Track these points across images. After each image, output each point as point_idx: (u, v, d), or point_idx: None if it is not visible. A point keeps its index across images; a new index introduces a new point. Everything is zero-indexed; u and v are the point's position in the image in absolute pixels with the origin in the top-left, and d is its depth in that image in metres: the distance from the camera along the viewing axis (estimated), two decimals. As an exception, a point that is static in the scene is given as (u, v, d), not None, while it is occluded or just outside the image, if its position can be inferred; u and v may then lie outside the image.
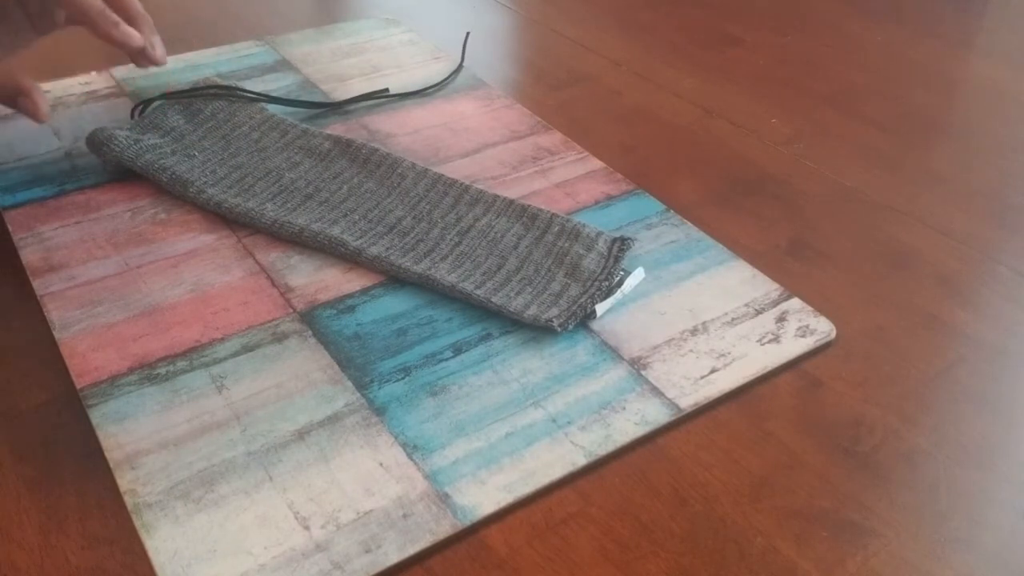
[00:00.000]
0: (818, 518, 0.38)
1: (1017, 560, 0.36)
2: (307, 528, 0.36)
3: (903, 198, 0.59)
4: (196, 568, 0.34)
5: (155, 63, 0.57)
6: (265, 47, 0.74)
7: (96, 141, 0.56)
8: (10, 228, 0.52)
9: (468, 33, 0.75)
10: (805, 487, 0.39)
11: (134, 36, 0.54)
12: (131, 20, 0.55)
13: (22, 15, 0.54)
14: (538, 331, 0.46)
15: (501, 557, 0.36)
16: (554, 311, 0.46)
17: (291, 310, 0.47)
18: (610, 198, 0.57)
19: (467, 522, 0.36)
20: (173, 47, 0.72)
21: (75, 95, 0.66)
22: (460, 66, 0.72)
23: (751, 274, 0.50)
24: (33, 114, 0.54)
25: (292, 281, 0.49)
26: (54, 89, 0.66)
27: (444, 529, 0.36)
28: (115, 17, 0.53)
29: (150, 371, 0.43)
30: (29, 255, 0.50)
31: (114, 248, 0.51)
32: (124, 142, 0.56)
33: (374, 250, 0.49)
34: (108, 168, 0.56)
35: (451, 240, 0.51)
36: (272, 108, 0.63)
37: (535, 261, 0.49)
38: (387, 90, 0.67)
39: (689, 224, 0.54)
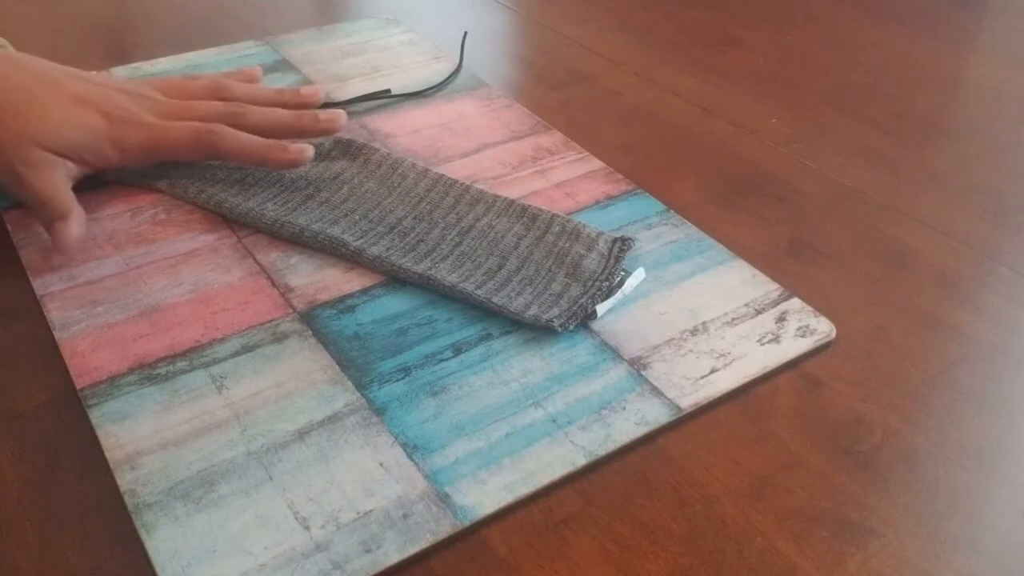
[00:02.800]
0: (818, 518, 0.38)
1: (1017, 560, 0.36)
2: (307, 528, 0.36)
3: (903, 198, 0.59)
4: (196, 568, 0.34)
5: (337, 128, 0.57)
6: (265, 47, 0.74)
7: None
8: (10, 228, 0.52)
9: (466, 33, 0.75)
10: (805, 487, 0.39)
11: (306, 150, 0.54)
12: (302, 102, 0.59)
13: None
14: (538, 331, 0.46)
15: (501, 557, 0.36)
16: (555, 311, 0.46)
17: (291, 310, 0.47)
18: (610, 198, 0.57)
19: (467, 522, 0.36)
20: (173, 47, 0.73)
21: (75, 95, 0.66)
22: (459, 67, 0.72)
23: (751, 274, 0.50)
24: (59, 246, 0.49)
25: (292, 281, 0.49)
26: (54, 89, 0.66)
27: (444, 529, 0.36)
28: (280, 144, 0.54)
29: (150, 371, 0.43)
30: (29, 255, 0.50)
31: (114, 248, 0.51)
32: None
33: (374, 250, 0.49)
34: (106, 177, 0.56)
35: (452, 240, 0.51)
36: (272, 108, 0.63)
37: (536, 261, 0.49)
38: (389, 91, 0.67)
39: (689, 224, 0.54)
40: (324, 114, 0.57)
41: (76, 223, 0.49)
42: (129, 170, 0.55)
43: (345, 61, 0.72)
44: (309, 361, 0.44)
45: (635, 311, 0.47)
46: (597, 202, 0.56)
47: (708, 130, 0.66)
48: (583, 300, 0.46)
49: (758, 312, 0.48)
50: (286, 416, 0.41)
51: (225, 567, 0.34)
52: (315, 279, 0.49)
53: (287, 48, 0.74)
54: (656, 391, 0.43)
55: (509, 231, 0.51)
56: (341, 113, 0.57)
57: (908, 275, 0.52)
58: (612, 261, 0.49)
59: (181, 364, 0.43)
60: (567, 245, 0.50)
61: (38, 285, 0.48)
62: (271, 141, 0.54)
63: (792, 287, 0.50)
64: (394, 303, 0.47)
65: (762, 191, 0.59)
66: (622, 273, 0.49)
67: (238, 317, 0.46)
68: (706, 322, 0.47)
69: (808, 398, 0.44)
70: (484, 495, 0.37)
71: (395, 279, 0.49)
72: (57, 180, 0.50)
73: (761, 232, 0.55)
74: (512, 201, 0.53)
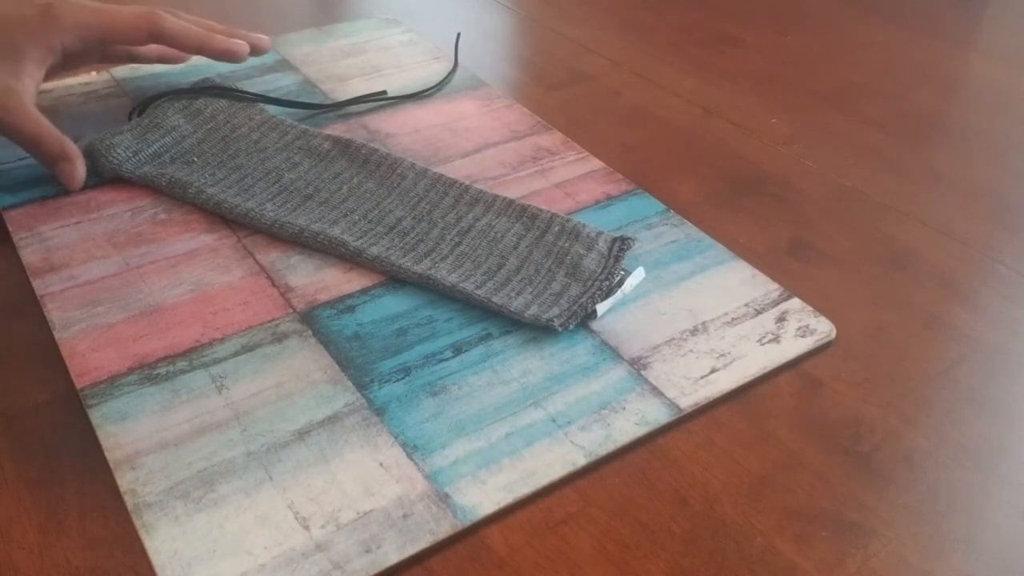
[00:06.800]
0: (818, 518, 0.38)
1: (1017, 560, 0.36)
2: (307, 528, 0.36)
3: (903, 198, 0.59)
4: (196, 568, 0.34)
5: (262, 49, 0.64)
6: (265, 47, 0.74)
7: (95, 152, 0.56)
8: (10, 228, 0.52)
9: (459, 34, 0.75)
10: (805, 487, 0.39)
11: (244, 45, 0.61)
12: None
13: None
14: (538, 331, 0.46)
15: (501, 557, 0.36)
16: (554, 311, 0.46)
17: (291, 310, 0.47)
18: (610, 198, 0.57)
19: (467, 522, 0.36)
20: (173, 47, 0.72)
21: (75, 95, 0.66)
22: (455, 67, 0.72)
23: (751, 274, 0.50)
24: (69, 181, 0.54)
25: (292, 281, 0.49)
26: (54, 89, 0.66)
27: (444, 529, 0.36)
28: (219, 36, 0.61)
29: (150, 371, 0.43)
30: (29, 255, 0.50)
31: (114, 248, 0.51)
32: (123, 154, 0.56)
33: (374, 250, 0.49)
34: (105, 177, 0.56)
35: (451, 240, 0.51)
36: (271, 109, 0.63)
37: (535, 261, 0.49)
38: (385, 92, 0.67)
39: (689, 224, 0.54)
40: (233, 41, 0.61)
41: (80, 162, 0.54)
42: (128, 167, 0.55)
43: (345, 61, 0.72)
44: (309, 361, 0.44)
45: (635, 311, 0.47)
46: (597, 202, 0.56)
47: (708, 130, 0.66)
48: (583, 300, 0.46)
49: (758, 312, 0.48)
50: (286, 416, 0.41)
51: (225, 567, 0.34)
52: (315, 279, 0.49)
53: (287, 48, 0.74)
54: (656, 391, 0.43)
55: (509, 231, 0.51)
56: (245, 46, 0.62)
57: (908, 275, 0.52)
58: (612, 261, 0.49)
59: (181, 364, 0.43)
60: (567, 245, 0.50)
61: (38, 285, 0.48)
62: (210, 32, 0.61)
63: (792, 287, 0.50)
64: (394, 303, 0.47)
65: (762, 191, 0.59)
66: (622, 273, 0.49)
67: (238, 317, 0.46)
68: (706, 322, 0.47)
69: (808, 398, 0.44)
70: (484, 495, 0.37)
71: (395, 279, 0.49)
72: (36, 115, 0.53)
73: (761, 232, 0.55)
74: (511, 201, 0.53)
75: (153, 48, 0.64)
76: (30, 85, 0.54)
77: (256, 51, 0.63)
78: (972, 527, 0.38)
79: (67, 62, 0.57)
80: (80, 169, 0.54)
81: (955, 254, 0.54)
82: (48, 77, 0.56)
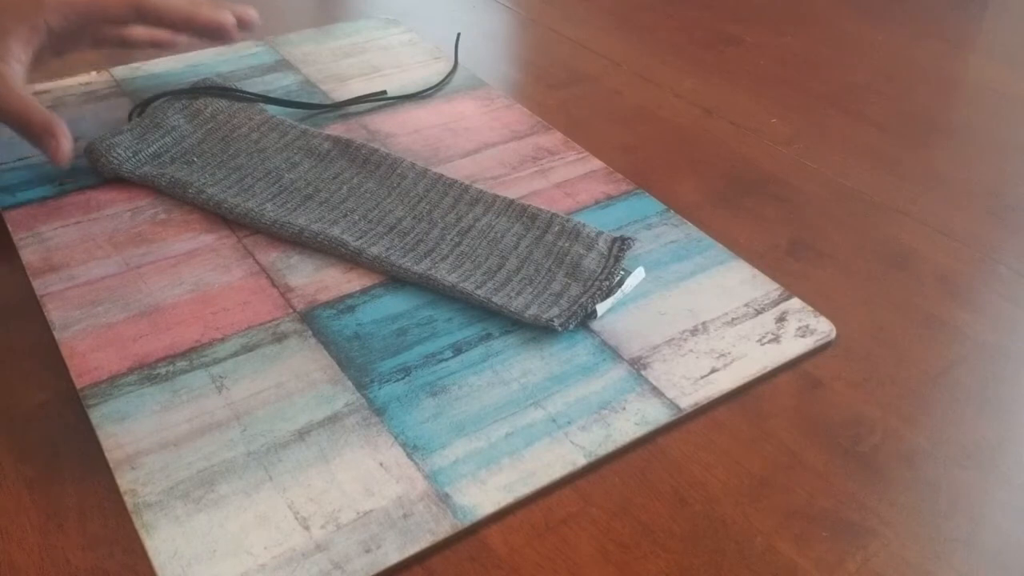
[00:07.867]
0: (818, 518, 0.38)
1: (1017, 560, 0.36)
2: (307, 528, 0.36)
3: (903, 198, 0.59)
4: (196, 568, 0.34)
5: (250, 23, 0.61)
6: (265, 47, 0.74)
7: (95, 152, 0.56)
8: (10, 228, 0.52)
9: (459, 34, 0.75)
10: (805, 487, 0.39)
11: (230, 17, 0.58)
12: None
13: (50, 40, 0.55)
14: (538, 331, 0.46)
15: (501, 557, 0.36)
16: (555, 311, 0.46)
17: (291, 310, 0.47)
18: (610, 198, 0.57)
19: (467, 522, 0.36)
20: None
21: (75, 95, 0.66)
22: (455, 68, 0.72)
23: (751, 274, 0.50)
24: (55, 156, 0.53)
25: (292, 281, 0.49)
26: (54, 89, 0.66)
27: (444, 529, 0.36)
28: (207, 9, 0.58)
29: (150, 371, 0.43)
30: (29, 255, 0.50)
31: (114, 248, 0.51)
32: (123, 154, 0.56)
33: (374, 250, 0.49)
34: (105, 177, 0.56)
35: (451, 240, 0.51)
36: (271, 109, 0.63)
37: (535, 261, 0.49)
38: (385, 92, 0.67)
39: (689, 224, 0.54)
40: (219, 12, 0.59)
41: (65, 137, 0.53)
42: (128, 168, 0.55)
43: (345, 61, 0.72)
44: (309, 361, 0.44)
45: (635, 311, 0.47)
46: (597, 202, 0.56)
47: (708, 130, 0.66)
48: (583, 300, 0.46)
49: (758, 312, 0.48)
50: (286, 416, 0.41)
51: (225, 567, 0.34)
52: (315, 279, 0.49)
53: (287, 48, 0.74)
54: (656, 391, 0.43)
55: (509, 231, 0.51)
56: (231, 18, 0.59)
57: (908, 275, 0.52)
58: (612, 261, 0.49)
59: (181, 364, 0.43)
60: (567, 245, 0.50)
61: (38, 285, 0.48)
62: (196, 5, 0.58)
63: (792, 287, 0.50)
64: (394, 303, 0.47)
65: (762, 191, 0.59)
66: (622, 273, 0.49)
67: (238, 317, 0.46)
68: (706, 322, 0.47)
69: (808, 398, 0.44)
70: (484, 495, 0.37)
71: (395, 279, 0.49)
72: (21, 93, 0.52)
73: (761, 232, 0.55)
74: (511, 201, 0.53)
75: (143, 32, 0.62)
76: (16, 66, 0.53)
77: (243, 24, 0.61)
78: (972, 527, 0.38)
79: (55, 44, 0.56)
80: (65, 144, 0.53)
81: (955, 254, 0.54)
82: (37, 60, 0.55)
